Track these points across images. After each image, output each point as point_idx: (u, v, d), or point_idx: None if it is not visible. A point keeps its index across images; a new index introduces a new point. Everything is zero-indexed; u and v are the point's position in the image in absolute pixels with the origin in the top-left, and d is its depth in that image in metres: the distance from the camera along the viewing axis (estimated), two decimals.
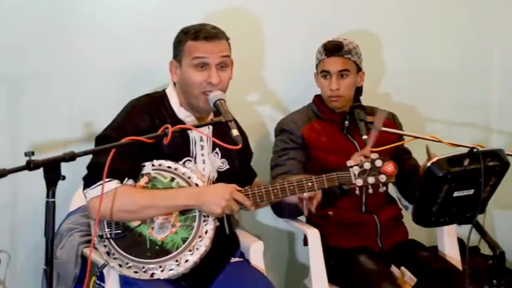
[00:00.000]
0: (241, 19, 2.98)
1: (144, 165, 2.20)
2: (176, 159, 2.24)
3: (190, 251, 2.15)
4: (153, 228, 2.16)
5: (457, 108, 3.47)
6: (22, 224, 2.68)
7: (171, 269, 2.14)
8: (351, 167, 2.23)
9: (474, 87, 3.52)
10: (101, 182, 1.99)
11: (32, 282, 2.71)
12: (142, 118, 2.23)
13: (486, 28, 3.50)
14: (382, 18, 3.26)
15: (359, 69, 2.71)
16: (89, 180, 2.14)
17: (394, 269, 2.56)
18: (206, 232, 2.17)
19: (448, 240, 2.72)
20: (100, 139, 2.21)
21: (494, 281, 2.16)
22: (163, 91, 2.37)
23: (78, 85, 2.72)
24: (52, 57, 2.67)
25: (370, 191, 2.24)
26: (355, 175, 2.22)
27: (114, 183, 2.11)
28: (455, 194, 2.07)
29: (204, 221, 2.18)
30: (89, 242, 2.31)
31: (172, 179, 2.20)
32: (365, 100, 2.76)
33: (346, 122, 2.69)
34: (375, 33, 3.23)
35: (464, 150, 2.08)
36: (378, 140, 2.57)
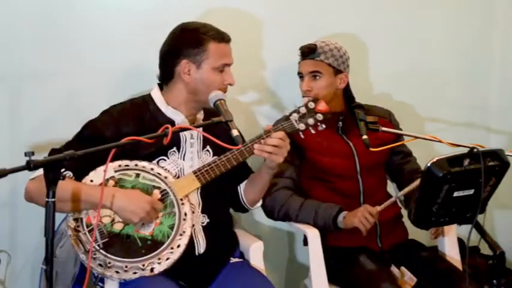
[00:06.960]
0: (241, 18, 2.97)
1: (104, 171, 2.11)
2: (155, 158, 2.27)
3: (180, 235, 2.18)
4: (137, 226, 2.17)
5: (457, 108, 3.47)
6: (22, 224, 2.68)
7: (167, 258, 2.15)
8: (290, 115, 2.34)
9: (474, 87, 3.52)
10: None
11: (32, 282, 2.71)
12: (127, 124, 2.26)
13: (486, 28, 3.50)
14: (383, 18, 3.26)
15: (338, 71, 2.66)
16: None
17: (394, 269, 2.56)
18: (186, 214, 2.21)
19: (448, 240, 2.73)
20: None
21: (494, 281, 2.15)
22: (148, 94, 2.38)
23: (78, 85, 2.72)
24: (52, 57, 2.67)
25: (313, 131, 2.34)
26: (296, 121, 2.33)
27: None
28: (455, 194, 2.06)
29: (182, 204, 2.22)
30: None
31: (138, 175, 2.21)
32: (365, 100, 2.76)
33: (340, 123, 2.69)
34: (375, 33, 3.23)
35: (464, 150, 2.07)
36: (377, 139, 2.58)
